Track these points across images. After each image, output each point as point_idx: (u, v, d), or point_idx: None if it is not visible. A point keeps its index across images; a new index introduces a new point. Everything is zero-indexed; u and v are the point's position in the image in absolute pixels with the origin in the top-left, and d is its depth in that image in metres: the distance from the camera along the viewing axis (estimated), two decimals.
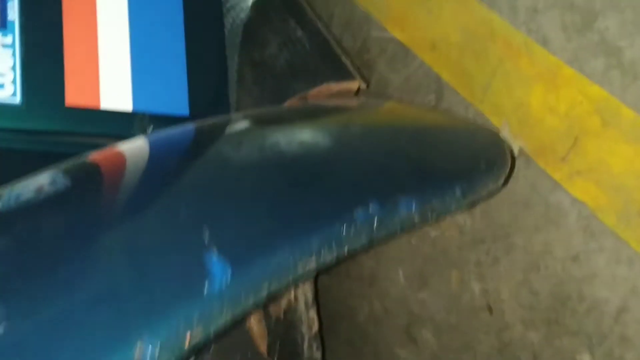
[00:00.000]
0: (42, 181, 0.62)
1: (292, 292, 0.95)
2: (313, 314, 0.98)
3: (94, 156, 0.70)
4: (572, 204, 0.91)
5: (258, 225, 0.58)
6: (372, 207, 0.62)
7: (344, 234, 0.59)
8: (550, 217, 0.94)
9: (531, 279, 0.97)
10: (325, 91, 1.00)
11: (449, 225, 1.10)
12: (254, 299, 0.53)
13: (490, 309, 1.04)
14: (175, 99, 1.05)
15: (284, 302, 0.95)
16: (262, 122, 0.84)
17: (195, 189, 0.64)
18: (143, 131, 1.00)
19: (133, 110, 1.02)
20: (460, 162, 0.80)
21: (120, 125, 1.01)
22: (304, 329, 0.97)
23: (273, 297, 0.58)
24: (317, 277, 1.09)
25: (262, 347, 0.93)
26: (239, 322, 0.61)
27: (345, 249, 0.59)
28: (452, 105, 1.09)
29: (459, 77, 1.07)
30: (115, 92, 1.00)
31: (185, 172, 0.67)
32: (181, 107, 1.05)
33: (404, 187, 0.67)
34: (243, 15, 1.12)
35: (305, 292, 0.96)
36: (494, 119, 1.02)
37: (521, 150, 0.98)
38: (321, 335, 1.01)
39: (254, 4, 1.14)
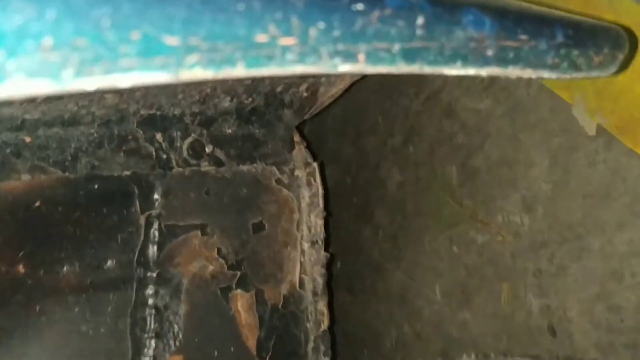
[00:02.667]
0: None
1: (297, 273, 0.73)
2: (323, 306, 0.76)
3: None
4: None
5: None
6: None
7: None
8: (638, 209, 0.73)
9: (611, 291, 0.75)
10: None
11: (501, 227, 0.89)
12: None
13: (552, 331, 0.81)
14: None
15: (284, 286, 0.73)
16: None
17: None
18: None
19: None
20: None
21: None
22: (310, 324, 0.74)
23: None
24: (330, 281, 0.88)
25: (251, 341, 0.71)
26: None
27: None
28: None
29: None
30: None
31: None
32: None
33: None
34: None
35: (313, 275, 0.74)
36: (564, 94, 0.82)
37: (600, 128, 0.77)
38: (332, 334, 0.78)
39: None
